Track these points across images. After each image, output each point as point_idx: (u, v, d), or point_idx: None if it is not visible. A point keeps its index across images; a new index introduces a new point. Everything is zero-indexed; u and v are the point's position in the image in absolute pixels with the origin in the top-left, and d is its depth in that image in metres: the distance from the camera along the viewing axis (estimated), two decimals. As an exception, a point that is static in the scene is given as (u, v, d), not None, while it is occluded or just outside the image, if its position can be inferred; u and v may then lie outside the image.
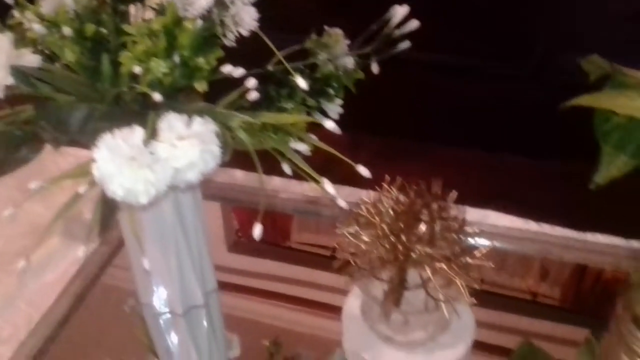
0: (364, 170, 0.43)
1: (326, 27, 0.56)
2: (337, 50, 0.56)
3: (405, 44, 0.55)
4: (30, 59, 0.43)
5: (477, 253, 0.60)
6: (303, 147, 0.48)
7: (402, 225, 0.60)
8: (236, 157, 0.46)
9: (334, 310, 0.70)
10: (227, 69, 0.44)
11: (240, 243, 0.99)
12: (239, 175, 0.98)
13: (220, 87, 0.46)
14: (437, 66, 0.94)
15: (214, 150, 0.42)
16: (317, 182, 0.44)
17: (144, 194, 0.40)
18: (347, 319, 0.68)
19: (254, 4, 0.48)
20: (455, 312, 0.62)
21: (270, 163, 0.46)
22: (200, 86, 0.43)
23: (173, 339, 0.61)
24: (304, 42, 0.55)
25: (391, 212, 0.61)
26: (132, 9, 0.45)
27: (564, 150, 0.91)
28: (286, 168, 0.48)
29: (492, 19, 0.89)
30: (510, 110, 0.93)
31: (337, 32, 0.56)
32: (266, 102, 0.51)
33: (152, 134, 0.41)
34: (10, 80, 0.43)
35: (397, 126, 1.00)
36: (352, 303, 0.69)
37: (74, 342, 0.81)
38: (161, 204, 0.52)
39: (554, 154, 0.93)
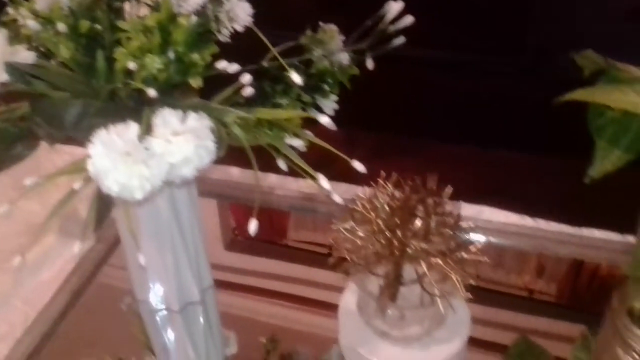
0: (359, 166, 0.43)
1: (321, 23, 0.57)
2: (332, 46, 0.56)
3: (400, 40, 0.55)
4: (25, 56, 0.43)
5: (472, 248, 0.60)
6: (298, 143, 0.48)
7: (397, 221, 0.60)
8: (232, 154, 0.46)
9: (331, 308, 0.70)
10: (222, 64, 0.44)
11: (237, 241, 0.99)
12: (234, 173, 0.98)
13: (215, 83, 0.46)
14: (432, 62, 0.94)
15: (209, 145, 0.42)
16: (312, 177, 0.44)
17: (139, 189, 0.40)
18: (343, 315, 0.69)
19: (249, 0, 0.48)
20: (451, 307, 0.62)
21: (265, 160, 0.46)
22: (195, 82, 0.43)
23: (170, 335, 0.62)
24: (298, 38, 0.55)
25: (387, 208, 0.61)
26: (127, 5, 0.45)
27: (559, 145, 0.91)
28: (281, 164, 0.48)
29: (486, 14, 0.89)
30: (504, 105, 0.93)
31: (332, 28, 0.57)
32: (261, 98, 0.52)
33: (147, 130, 0.41)
34: (5, 77, 0.43)
35: (392, 122, 1.00)
36: (348, 299, 0.69)
37: (70, 339, 0.81)
38: (156, 199, 0.52)
39: (548, 149, 0.93)
